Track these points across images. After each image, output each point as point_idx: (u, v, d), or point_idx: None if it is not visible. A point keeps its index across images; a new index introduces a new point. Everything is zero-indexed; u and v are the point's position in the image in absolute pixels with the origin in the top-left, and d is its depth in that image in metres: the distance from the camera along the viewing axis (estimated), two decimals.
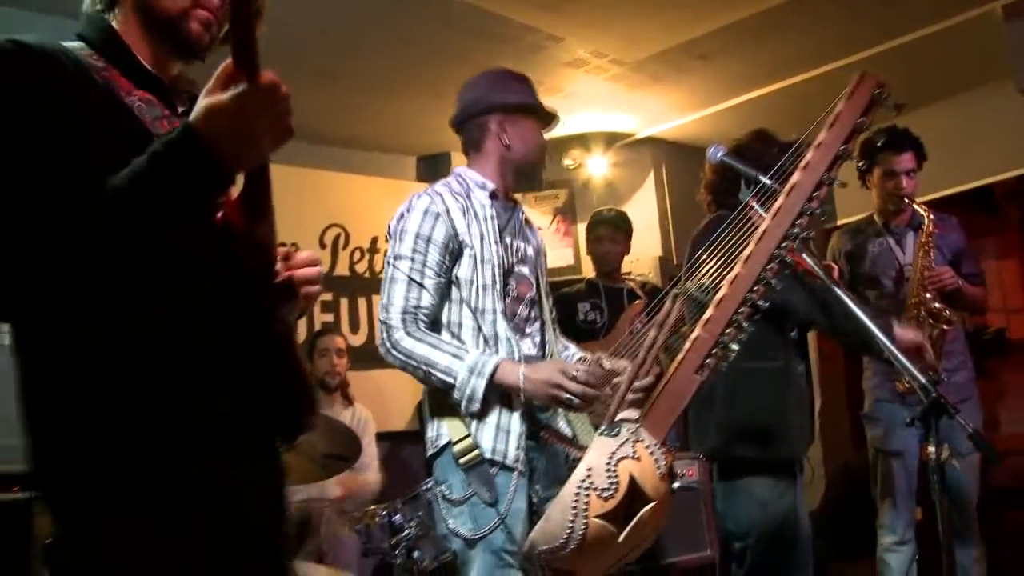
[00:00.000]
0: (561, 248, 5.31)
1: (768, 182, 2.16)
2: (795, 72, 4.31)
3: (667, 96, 4.62)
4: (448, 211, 2.21)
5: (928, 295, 3.36)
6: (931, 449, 1.97)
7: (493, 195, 2.30)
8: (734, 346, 1.99)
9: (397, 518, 3.21)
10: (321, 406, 3.85)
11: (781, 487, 2.65)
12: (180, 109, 1.39)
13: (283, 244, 4.07)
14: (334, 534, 3.25)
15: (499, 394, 2.13)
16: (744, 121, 4.88)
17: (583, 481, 1.93)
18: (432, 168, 5.23)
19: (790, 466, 2.69)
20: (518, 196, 2.49)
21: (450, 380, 2.09)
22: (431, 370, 2.10)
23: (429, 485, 3.09)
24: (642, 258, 4.90)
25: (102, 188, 1.12)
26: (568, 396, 2.06)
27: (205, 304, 1.28)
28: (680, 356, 2.06)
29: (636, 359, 2.12)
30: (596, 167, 5.14)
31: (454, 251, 2.20)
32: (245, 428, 1.32)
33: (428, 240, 2.17)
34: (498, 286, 2.22)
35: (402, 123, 4.76)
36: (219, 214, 1.33)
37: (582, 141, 5.15)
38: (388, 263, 2.22)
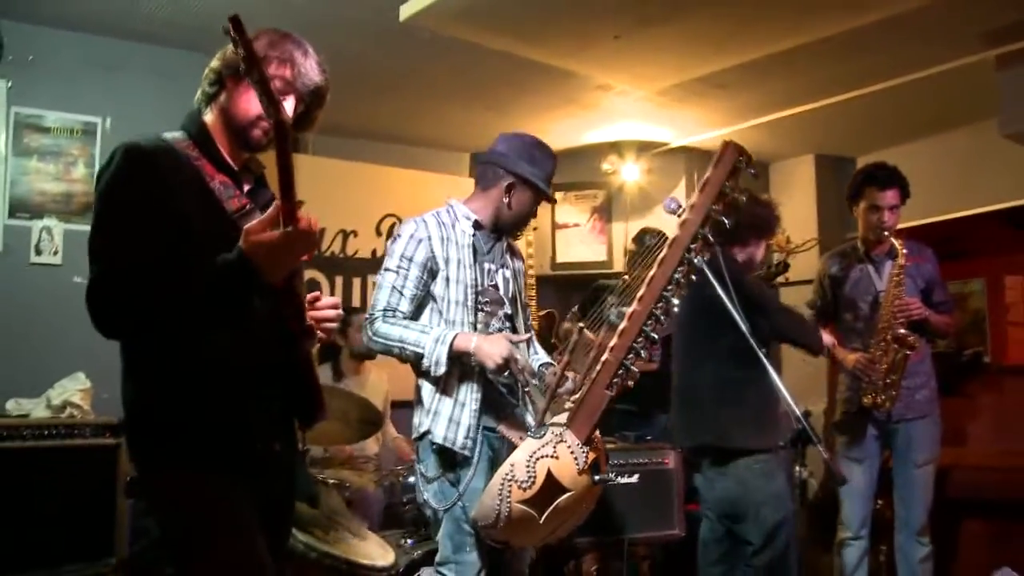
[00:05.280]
0: (596, 244, 5.73)
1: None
2: (806, 100, 4.64)
3: (695, 112, 4.95)
4: (429, 237, 2.64)
5: (897, 322, 3.72)
6: (797, 469, 2.40)
7: (477, 225, 2.74)
8: (635, 369, 2.44)
9: (411, 480, 3.80)
10: (356, 373, 4.44)
11: (769, 471, 3.05)
12: (247, 187, 1.95)
13: (343, 231, 4.60)
14: (362, 490, 3.82)
15: (454, 390, 2.60)
16: (773, 134, 5.23)
17: (506, 474, 2.40)
18: None
19: (767, 451, 3.09)
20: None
21: (420, 350, 2.54)
22: (404, 345, 2.56)
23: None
24: None
25: (191, 271, 1.68)
26: (510, 367, 2.50)
27: (255, 333, 1.83)
28: (593, 375, 2.50)
29: (554, 377, 2.59)
30: (629, 173, 5.52)
31: (432, 270, 2.64)
32: (276, 418, 1.91)
33: (410, 260, 2.62)
34: (469, 302, 2.67)
35: (457, 129, 5.27)
36: None
37: (616, 149, 5.52)
38: (380, 274, 2.69)
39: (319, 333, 1.93)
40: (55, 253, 3.50)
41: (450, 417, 2.61)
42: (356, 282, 5.19)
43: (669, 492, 3.79)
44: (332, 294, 5.05)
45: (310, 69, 1.91)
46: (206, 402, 1.78)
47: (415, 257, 2.62)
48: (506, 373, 2.55)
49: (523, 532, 2.52)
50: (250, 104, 1.84)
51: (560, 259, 5.74)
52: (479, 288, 2.70)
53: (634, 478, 3.76)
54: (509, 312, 2.81)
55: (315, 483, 3.41)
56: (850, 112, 4.84)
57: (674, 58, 4.07)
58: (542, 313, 5.40)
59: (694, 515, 3.59)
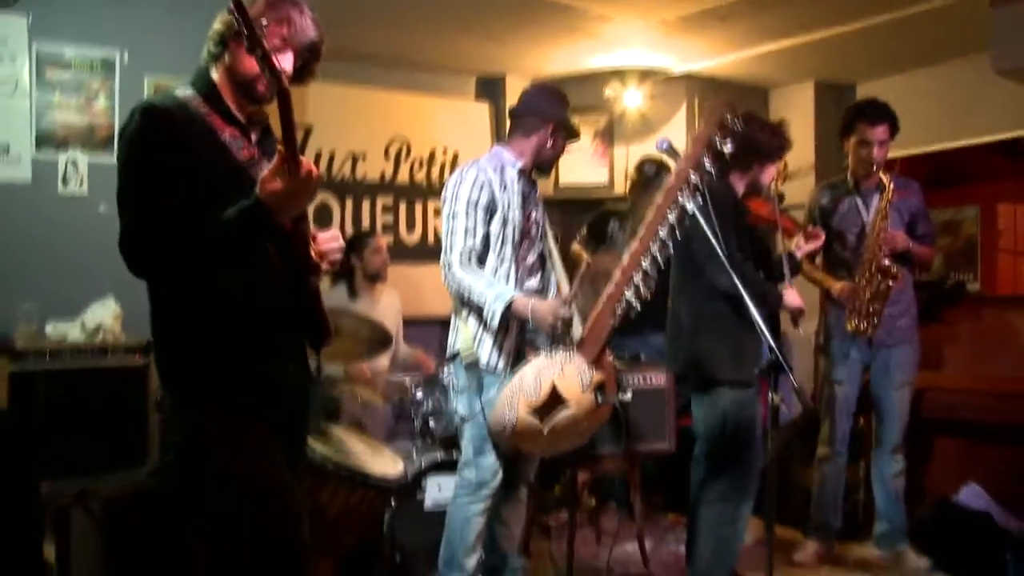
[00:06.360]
0: (597, 167, 5.86)
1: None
2: (806, 30, 4.73)
3: (697, 41, 5.00)
4: (490, 182, 3.03)
5: (881, 254, 3.90)
6: (771, 395, 2.62)
7: (521, 172, 3.12)
8: (635, 302, 2.72)
9: (419, 395, 4.08)
10: (370, 294, 4.65)
11: (741, 401, 3.24)
12: (254, 138, 2.14)
13: (352, 154, 4.77)
14: (369, 404, 4.09)
15: (503, 323, 2.95)
16: (774, 62, 5.30)
17: (515, 384, 2.78)
18: (489, 89, 5.84)
19: (745, 384, 3.24)
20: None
21: (482, 302, 2.93)
22: (471, 293, 2.95)
23: (444, 373, 3.97)
24: None
25: (211, 219, 1.87)
26: (553, 330, 2.87)
27: (269, 272, 2.05)
28: (600, 304, 2.84)
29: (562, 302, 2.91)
30: (631, 100, 5.60)
31: (491, 211, 3.02)
32: (290, 346, 2.14)
33: (476, 204, 3.00)
34: (516, 239, 3.06)
35: (462, 54, 5.32)
36: None
37: (619, 75, 5.58)
38: (448, 219, 3.05)
39: (324, 266, 2.15)
40: (81, 184, 3.68)
41: (493, 343, 3.00)
42: (365, 205, 5.34)
43: (662, 409, 4.04)
44: (342, 217, 5.24)
45: (306, 26, 2.08)
46: (226, 335, 1.99)
47: (480, 201, 3.01)
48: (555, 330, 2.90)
49: (528, 440, 2.86)
50: (253, 62, 1.98)
51: (563, 181, 5.87)
52: (522, 227, 3.09)
53: (628, 395, 4.01)
54: (541, 249, 3.22)
55: (332, 400, 3.67)
56: (850, 41, 4.90)
57: None
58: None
59: (685, 430, 3.83)
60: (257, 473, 2.00)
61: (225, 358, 2.01)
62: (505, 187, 3.06)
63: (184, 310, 2.00)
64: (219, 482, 2.01)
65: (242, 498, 1.99)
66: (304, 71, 2.18)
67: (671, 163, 2.96)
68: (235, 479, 1.99)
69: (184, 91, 2.08)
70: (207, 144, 1.99)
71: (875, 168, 3.93)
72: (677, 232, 2.73)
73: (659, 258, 2.74)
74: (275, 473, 2.03)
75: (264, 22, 1.99)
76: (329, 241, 2.18)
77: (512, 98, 5.52)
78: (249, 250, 1.94)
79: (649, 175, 4.60)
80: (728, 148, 2.68)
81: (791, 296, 3.29)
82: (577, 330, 3.00)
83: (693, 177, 2.67)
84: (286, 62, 2.06)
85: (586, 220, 5.02)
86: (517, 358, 3.02)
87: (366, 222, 5.34)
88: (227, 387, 2.01)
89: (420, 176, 5.54)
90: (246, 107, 2.11)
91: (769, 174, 3.50)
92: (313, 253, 2.13)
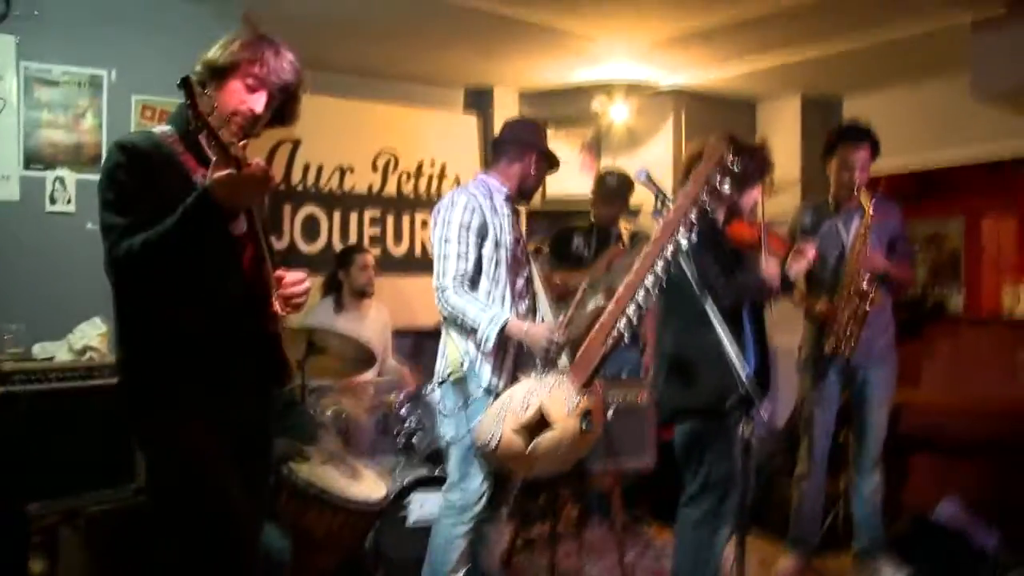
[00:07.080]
0: (584, 179, 5.88)
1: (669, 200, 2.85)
2: (793, 45, 4.78)
3: (684, 56, 5.04)
4: (481, 207, 3.11)
5: (859, 276, 3.95)
6: (743, 428, 2.65)
7: (508, 198, 3.22)
8: (624, 331, 2.77)
9: (404, 411, 4.12)
10: (357, 308, 4.69)
11: (714, 429, 3.17)
12: None
13: (340, 167, 4.89)
14: (356, 420, 4.14)
15: (501, 345, 3.04)
16: (761, 75, 5.35)
17: (503, 402, 2.86)
18: (477, 100, 5.87)
19: (719, 416, 3.10)
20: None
21: (475, 325, 3.00)
22: (465, 317, 3.02)
23: (428, 391, 4.02)
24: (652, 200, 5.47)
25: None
26: (547, 353, 2.97)
27: (230, 311, 2.11)
28: (592, 332, 2.88)
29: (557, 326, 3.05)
30: (618, 113, 5.63)
31: (483, 235, 3.09)
32: (248, 379, 2.18)
33: (468, 228, 3.07)
34: (508, 262, 3.14)
35: (450, 67, 5.36)
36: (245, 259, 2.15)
37: (606, 89, 5.60)
38: (440, 243, 3.11)
39: (288, 310, 2.21)
40: (68, 202, 3.71)
41: (493, 364, 3.08)
42: (353, 217, 5.37)
43: (642, 426, 4.10)
44: (330, 229, 5.27)
45: (280, 68, 2.15)
46: (186, 365, 2.05)
47: (471, 225, 3.07)
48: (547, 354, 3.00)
49: (511, 458, 2.91)
50: (226, 103, 2.09)
51: (550, 193, 5.90)
52: (513, 252, 3.18)
53: (609, 413, 4.05)
54: (527, 274, 3.31)
55: (315, 424, 3.71)
56: (836, 58, 4.94)
57: (658, 12, 4.18)
58: (530, 249, 5.61)
59: (667, 445, 3.86)
60: (208, 500, 2.06)
61: (182, 385, 2.07)
62: (496, 211, 3.14)
63: (145, 343, 2.07)
64: (172, 505, 2.08)
65: (192, 523, 2.06)
66: (284, 110, 2.24)
67: (632, 176, 3.04)
68: (185, 505, 2.06)
69: (162, 128, 2.15)
70: (179, 187, 2.05)
71: (856, 190, 3.98)
72: (671, 267, 2.77)
73: (652, 291, 2.78)
74: (226, 501, 2.08)
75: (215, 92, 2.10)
76: (294, 284, 2.23)
77: (500, 110, 5.64)
78: (201, 237, 1.98)
79: (610, 187, 4.67)
80: (727, 188, 2.70)
81: (769, 266, 3.31)
82: (566, 358, 3.07)
83: (692, 215, 2.70)
84: (259, 102, 2.13)
85: (549, 237, 5.06)
86: (512, 380, 3.07)
87: (354, 234, 5.37)
88: (184, 415, 2.07)
89: (408, 188, 5.57)
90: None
91: (751, 197, 3.52)
92: (276, 299, 2.17)
